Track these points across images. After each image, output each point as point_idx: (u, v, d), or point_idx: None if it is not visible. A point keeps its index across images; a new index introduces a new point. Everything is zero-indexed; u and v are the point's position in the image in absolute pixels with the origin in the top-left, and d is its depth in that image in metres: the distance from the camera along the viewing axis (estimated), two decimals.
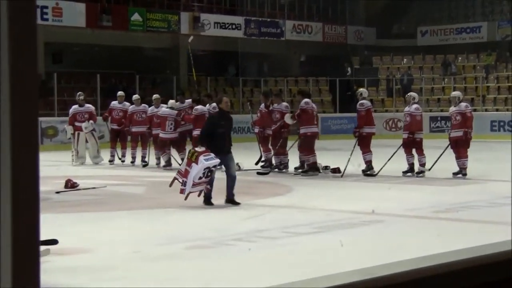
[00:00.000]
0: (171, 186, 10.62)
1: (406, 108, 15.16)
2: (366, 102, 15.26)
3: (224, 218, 9.73)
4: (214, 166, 10.49)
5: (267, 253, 7.22)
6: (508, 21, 33.70)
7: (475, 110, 29.08)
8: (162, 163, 16.66)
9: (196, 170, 10.25)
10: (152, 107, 17.26)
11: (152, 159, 16.98)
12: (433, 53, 33.61)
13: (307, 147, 14.91)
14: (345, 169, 14.58)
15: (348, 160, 14.60)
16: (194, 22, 29.45)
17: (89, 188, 12.61)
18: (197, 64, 32.77)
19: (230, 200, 10.75)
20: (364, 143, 14.90)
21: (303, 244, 7.75)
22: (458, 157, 14.20)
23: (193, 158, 10.37)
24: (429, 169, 14.46)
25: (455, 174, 14.13)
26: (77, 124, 17.89)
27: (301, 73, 34.17)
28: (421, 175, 14.42)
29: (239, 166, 15.74)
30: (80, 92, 18.84)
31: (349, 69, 33.46)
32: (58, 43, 27.73)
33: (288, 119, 15.14)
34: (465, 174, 14.08)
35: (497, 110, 29.15)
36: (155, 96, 17.70)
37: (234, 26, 31.05)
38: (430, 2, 37.46)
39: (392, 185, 13.23)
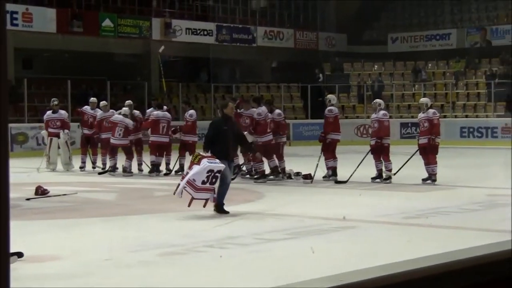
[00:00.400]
0: (175, 194, 10.26)
1: (373, 115, 15.25)
2: (335, 109, 15.34)
3: (196, 224, 9.71)
4: (219, 171, 10.03)
5: (239, 260, 7.22)
6: (477, 28, 34.05)
7: (444, 117, 29.39)
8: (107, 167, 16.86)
9: (196, 170, 9.89)
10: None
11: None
12: (403, 60, 33.84)
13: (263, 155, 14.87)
14: (314, 175, 14.63)
15: (316, 166, 14.67)
16: (166, 28, 29.41)
17: (59, 195, 12.52)
18: (168, 70, 32.82)
19: (220, 208, 10.42)
20: (329, 150, 14.97)
21: (275, 250, 7.75)
22: (427, 163, 14.30)
23: (195, 160, 10.04)
24: (394, 174, 14.54)
25: (424, 180, 14.22)
26: (50, 130, 17.85)
27: (272, 79, 34.24)
28: (388, 181, 14.50)
29: None
30: (54, 98, 18.74)
31: (320, 75, 33.58)
32: (28, 48, 27.54)
33: (248, 137, 15.12)
34: (434, 180, 14.17)
35: (466, 116, 29.41)
36: (127, 102, 17.51)
37: (205, 32, 31.04)
38: (400, 9, 37.78)
39: (363, 191, 13.28)
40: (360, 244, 8.09)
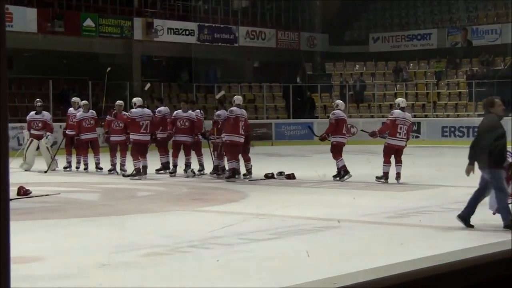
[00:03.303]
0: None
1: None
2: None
3: (179, 224, 9.69)
4: None
5: (223, 260, 7.19)
6: (457, 28, 34.20)
7: (426, 116, 29.54)
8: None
9: None
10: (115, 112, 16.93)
11: (106, 165, 16.83)
12: (384, 60, 33.96)
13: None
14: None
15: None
16: (147, 28, 29.33)
17: (42, 195, 12.45)
18: (150, 70, 32.73)
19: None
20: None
21: (258, 250, 7.73)
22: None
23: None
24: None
25: (378, 178, 14.32)
26: (32, 132, 17.77)
27: (254, 79, 34.23)
28: (337, 178, 14.70)
29: (194, 172, 15.78)
30: (38, 99, 18.66)
31: (298, 78, 33.63)
32: (9, 48, 27.33)
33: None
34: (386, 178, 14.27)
35: (447, 116, 29.55)
36: (118, 102, 17.26)
37: (187, 32, 30.98)
38: (381, 9, 37.89)
39: (345, 191, 13.30)
40: (344, 244, 8.10)
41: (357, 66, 34.31)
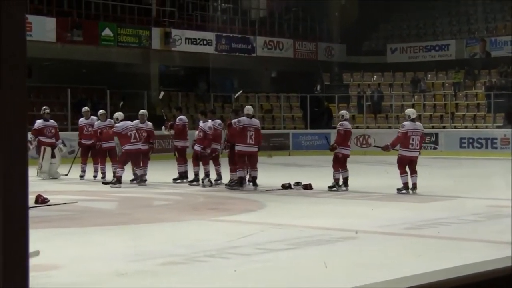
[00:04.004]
0: None
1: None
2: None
3: (196, 234, 9.68)
4: None
5: (240, 270, 7.18)
6: (476, 39, 34.07)
7: (444, 127, 29.41)
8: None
9: None
10: (137, 121, 17.02)
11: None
12: (402, 70, 33.84)
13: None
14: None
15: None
16: (165, 37, 29.42)
17: (59, 204, 12.50)
18: (168, 79, 32.81)
19: None
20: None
21: (276, 260, 7.71)
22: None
23: None
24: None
25: (399, 190, 14.33)
26: (44, 139, 17.82)
27: (272, 89, 34.24)
28: (334, 189, 14.78)
29: (211, 182, 15.79)
30: (45, 107, 18.70)
31: (318, 87, 33.58)
32: (28, 57, 27.43)
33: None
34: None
35: (466, 127, 29.39)
36: (142, 111, 17.35)
37: (205, 42, 31.05)
38: (399, 20, 37.81)
39: (362, 201, 13.27)
40: (361, 255, 8.06)
41: (375, 76, 34.23)
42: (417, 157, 14.47)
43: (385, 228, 9.89)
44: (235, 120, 15.21)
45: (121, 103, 19.33)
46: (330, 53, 35.75)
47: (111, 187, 15.82)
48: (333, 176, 14.92)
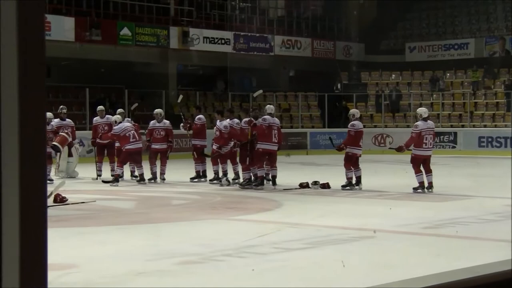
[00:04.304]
0: None
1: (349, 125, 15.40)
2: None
3: (213, 233, 9.69)
4: None
5: (257, 269, 7.18)
6: (495, 37, 33.89)
7: (463, 126, 29.27)
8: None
9: None
10: (154, 121, 17.18)
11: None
12: (421, 69, 33.72)
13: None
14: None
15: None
16: (183, 37, 29.47)
17: (78, 203, 12.55)
18: (186, 79, 32.86)
19: None
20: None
21: (293, 260, 7.71)
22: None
23: None
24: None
25: (415, 189, 14.28)
26: None
27: (290, 88, 34.23)
28: (348, 188, 14.82)
29: (229, 181, 15.79)
30: (62, 106, 18.74)
31: (338, 85, 33.51)
32: (47, 57, 27.49)
33: None
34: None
35: (485, 126, 29.25)
36: (156, 110, 17.53)
37: (223, 41, 31.08)
38: (417, 19, 37.68)
39: (380, 201, 13.23)
40: (379, 255, 8.03)
41: (393, 75, 34.14)
42: (430, 156, 14.49)
43: (403, 228, 9.85)
44: (260, 119, 15.24)
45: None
46: (348, 52, 35.69)
47: (110, 185, 16.05)
48: (346, 176, 14.94)
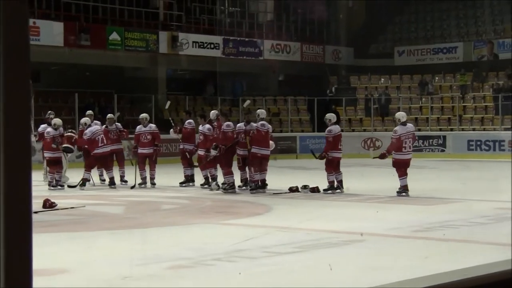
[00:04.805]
0: None
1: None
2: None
3: (203, 237, 9.68)
4: None
5: (248, 274, 7.18)
6: (483, 41, 34.02)
7: (451, 130, 29.36)
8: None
9: None
10: (140, 125, 17.17)
11: (131, 178, 16.88)
12: (410, 73, 33.81)
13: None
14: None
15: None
16: (173, 41, 29.46)
17: (67, 208, 12.52)
18: (175, 83, 32.83)
19: None
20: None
21: (283, 264, 7.71)
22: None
23: None
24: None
25: (399, 192, 14.31)
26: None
27: (279, 92, 34.25)
28: (330, 191, 14.80)
29: (218, 186, 15.77)
30: (50, 111, 18.64)
31: (333, 89, 33.52)
32: (36, 62, 27.61)
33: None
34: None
35: (473, 129, 29.35)
36: (142, 115, 17.57)
37: (212, 46, 31.08)
38: (407, 23, 37.79)
39: (369, 204, 13.26)
40: (369, 258, 8.04)
41: (382, 79, 34.21)
42: (410, 159, 14.55)
43: (393, 231, 9.87)
44: (258, 124, 15.31)
45: (168, 102, 19.40)
46: (338, 56, 35.75)
47: (79, 189, 16.34)
48: (328, 179, 15.00)
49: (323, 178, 15.00)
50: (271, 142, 15.56)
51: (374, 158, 15.83)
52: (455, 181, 17.78)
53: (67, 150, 16.88)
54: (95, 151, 16.69)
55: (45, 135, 16.62)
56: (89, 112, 18.49)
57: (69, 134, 17.22)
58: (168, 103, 19.43)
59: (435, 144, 28.14)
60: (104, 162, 16.93)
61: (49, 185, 16.33)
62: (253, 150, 15.11)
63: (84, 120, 17.25)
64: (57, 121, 17.09)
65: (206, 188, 16.01)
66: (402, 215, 11.80)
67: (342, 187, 14.98)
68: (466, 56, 33.87)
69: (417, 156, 26.96)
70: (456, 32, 35.86)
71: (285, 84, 35.83)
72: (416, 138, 15.45)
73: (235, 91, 33.51)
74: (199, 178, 16.44)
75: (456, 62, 33.83)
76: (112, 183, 16.65)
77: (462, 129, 29.56)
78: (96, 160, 16.79)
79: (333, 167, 15.02)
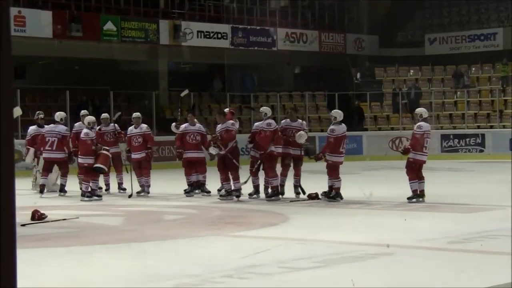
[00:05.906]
0: None
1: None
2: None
3: (212, 251, 9.70)
4: None
5: None
6: None
7: (491, 127, 29.27)
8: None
9: None
10: (132, 127, 17.14)
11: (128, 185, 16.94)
12: (443, 64, 33.76)
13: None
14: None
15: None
16: (175, 31, 29.53)
17: (59, 220, 12.56)
18: (178, 78, 32.89)
19: None
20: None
21: (302, 281, 7.72)
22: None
23: None
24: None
25: (410, 198, 14.32)
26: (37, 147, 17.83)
27: (295, 87, 34.25)
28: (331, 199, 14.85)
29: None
30: (39, 112, 18.69)
31: (358, 75, 33.45)
32: (21, 56, 27.72)
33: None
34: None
35: None
36: (135, 114, 17.54)
37: (219, 35, 31.15)
38: (438, 7, 37.69)
39: (396, 212, 13.25)
40: (400, 274, 8.03)
41: (412, 71, 34.18)
42: (425, 162, 14.49)
43: (423, 242, 9.85)
44: (261, 124, 15.31)
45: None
46: (361, 46, 35.75)
47: (40, 197, 16.52)
48: (329, 184, 15.02)
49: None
50: (302, 132, 15.47)
51: (400, 151, 15.80)
52: (496, 186, 17.72)
53: (99, 171, 16.17)
54: (43, 155, 17.09)
55: (83, 137, 16.15)
56: (84, 112, 18.28)
57: (103, 153, 16.27)
58: (186, 91, 18.93)
59: (473, 144, 28.09)
60: (48, 167, 17.21)
61: (83, 195, 15.99)
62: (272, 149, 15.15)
63: (88, 119, 16.68)
64: (90, 118, 16.77)
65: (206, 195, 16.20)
66: (433, 225, 11.78)
67: (339, 197, 14.90)
68: (507, 43, 33.79)
69: (453, 157, 26.97)
70: (495, 17, 35.78)
71: (301, 78, 35.84)
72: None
73: (245, 86, 33.55)
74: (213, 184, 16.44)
75: (495, 50, 33.76)
76: (61, 190, 17.08)
77: (503, 126, 29.48)
78: (46, 163, 17.14)
79: (336, 171, 14.94)
